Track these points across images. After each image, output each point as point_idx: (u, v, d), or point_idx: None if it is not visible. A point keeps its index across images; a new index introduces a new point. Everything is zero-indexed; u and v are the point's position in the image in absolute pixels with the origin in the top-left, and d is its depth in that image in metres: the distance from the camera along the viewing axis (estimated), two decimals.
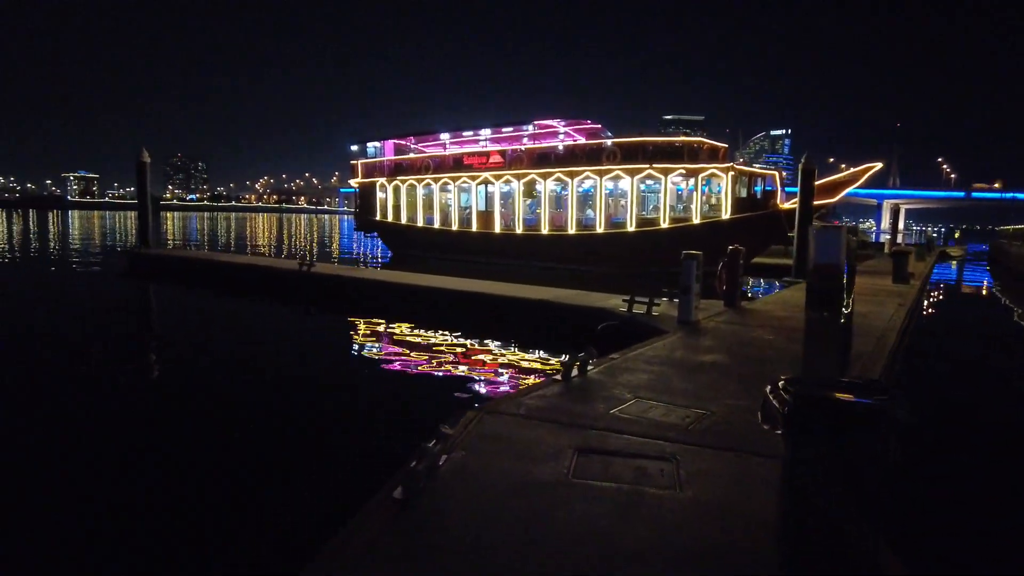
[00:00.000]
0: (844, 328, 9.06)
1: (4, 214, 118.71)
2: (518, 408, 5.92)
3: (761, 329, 10.65)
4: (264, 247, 45.17)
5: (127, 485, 6.17)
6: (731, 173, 24.95)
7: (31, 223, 78.14)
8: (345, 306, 16.89)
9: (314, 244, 51.92)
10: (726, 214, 24.98)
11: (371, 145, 36.11)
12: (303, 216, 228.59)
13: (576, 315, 12.94)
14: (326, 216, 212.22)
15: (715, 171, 25.27)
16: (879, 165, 23.63)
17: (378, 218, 34.86)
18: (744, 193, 25.99)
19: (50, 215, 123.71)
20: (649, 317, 11.69)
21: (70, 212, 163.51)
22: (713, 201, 27.76)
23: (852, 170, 23.81)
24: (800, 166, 20.47)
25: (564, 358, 7.62)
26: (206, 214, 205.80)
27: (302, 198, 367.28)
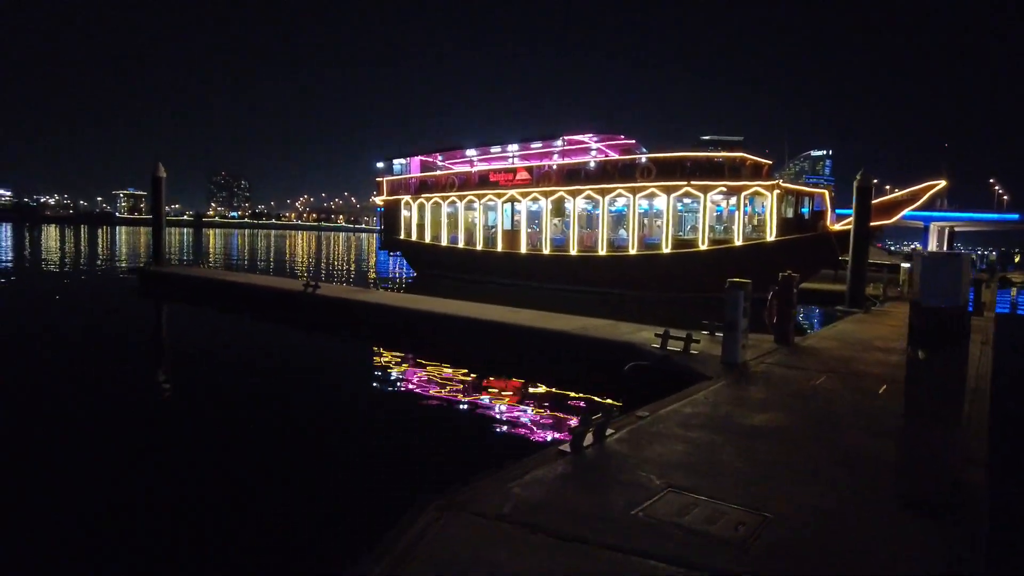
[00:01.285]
0: (946, 378, 7.13)
1: (58, 230, 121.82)
2: (502, 501, 4.21)
3: (825, 375, 8.74)
4: (293, 263, 44.47)
5: (121, 502, 6.16)
6: (776, 191, 22.97)
7: (81, 238, 79.66)
8: (349, 331, 15.52)
9: (341, 262, 51.09)
10: (771, 236, 22.95)
11: (397, 162, 35.02)
12: (341, 234, 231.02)
13: (600, 350, 11.20)
14: (363, 234, 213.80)
15: (759, 189, 23.31)
16: (943, 183, 21.38)
17: (402, 237, 33.62)
18: (790, 213, 23.95)
19: (99, 231, 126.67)
20: (687, 357, 9.87)
21: (118, 228, 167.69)
22: (756, 222, 25.77)
23: (912, 189, 21.59)
24: (855, 183, 18.44)
25: (574, 422, 5.90)
26: (247, 231, 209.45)
27: (340, 216, 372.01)
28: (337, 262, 51.70)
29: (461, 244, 30.77)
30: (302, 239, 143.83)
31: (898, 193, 21.94)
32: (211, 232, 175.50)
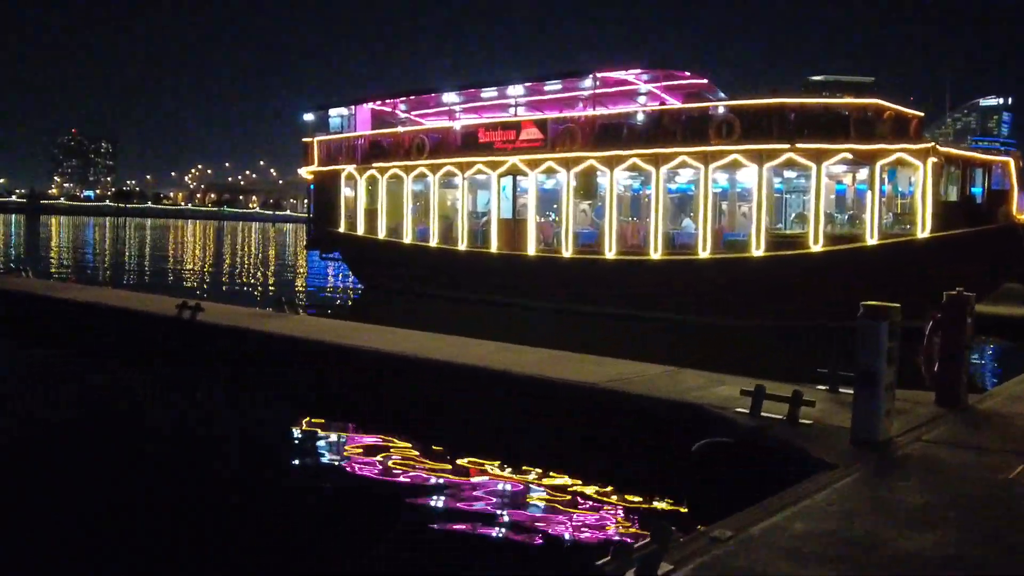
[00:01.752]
0: None
1: None
2: None
3: None
4: (180, 271, 43.94)
5: None
6: (932, 159, 22.35)
7: None
8: (252, 380, 14.94)
9: (250, 270, 50.69)
10: (924, 230, 22.32)
11: (336, 113, 34.65)
12: (253, 224, 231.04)
13: (648, 416, 10.59)
14: (289, 224, 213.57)
15: (904, 156, 22.69)
16: None
17: (342, 229, 33.08)
18: (955, 195, 23.33)
19: None
20: (794, 429, 9.26)
21: None
22: (900, 209, 25.12)
23: None
24: None
25: (601, 553, 5.25)
26: (108, 219, 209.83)
27: (253, 198, 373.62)
28: (245, 270, 51.28)
29: (434, 242, 30.19)
30: (194, 231, 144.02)
31: None
32: (54, 220, 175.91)
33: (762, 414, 9.72)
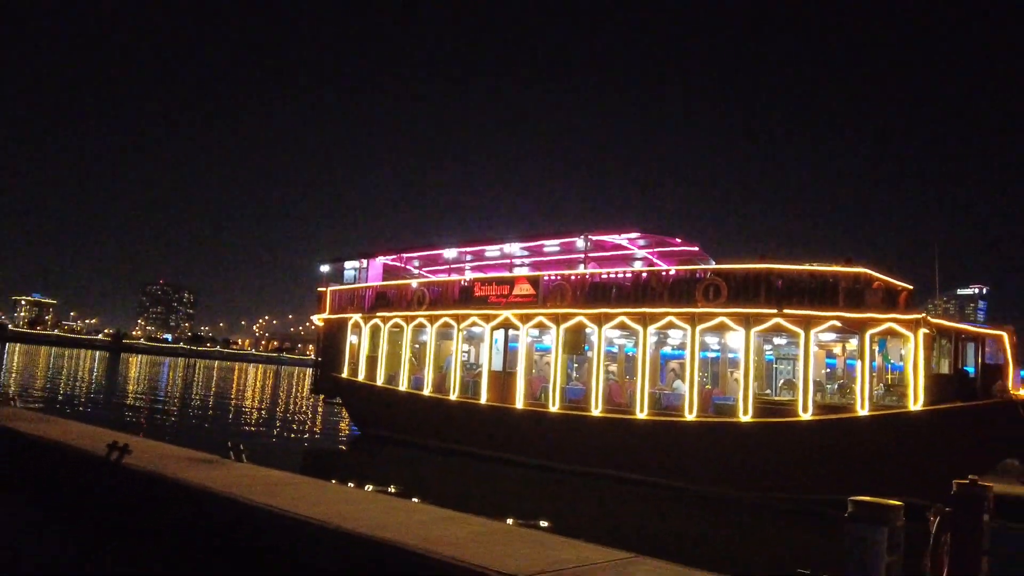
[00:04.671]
0: None
1: None
2: None
3: None
4: (207, 408, 41.22)
5: None
6: (923, 330, 19.34)
7: None
8: (175, 551, 11.73)
9: (265, 409, 47.83)
10: (916, 402, 19.07)
11: (350, 266, 32.52)
12: (308, 370, 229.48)
13: None
14: None
15: (894, 326, 19.71)
16: None
17: (344, 374, 30.31)
18: (946, 367, 20.19)
19: None
20: None
21: (5, 345, 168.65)
22: (891, 381, 21.98)
23: None
24: None
25: None
26: (181, 359, 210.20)
27: (311, 346, 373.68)
28: (259, 407, 48.40)
29: (427, 390, 27.29)
30: (254, 373, 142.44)
31: None
32: (132, 358, 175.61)
33: None
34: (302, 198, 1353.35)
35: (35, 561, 11.03)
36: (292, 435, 33.31)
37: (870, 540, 5.45)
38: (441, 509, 11.85)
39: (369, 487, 15.09)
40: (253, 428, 33.77)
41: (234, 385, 77.06)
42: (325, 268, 33.22)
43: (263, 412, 44.95)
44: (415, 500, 13.53)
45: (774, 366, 27.86)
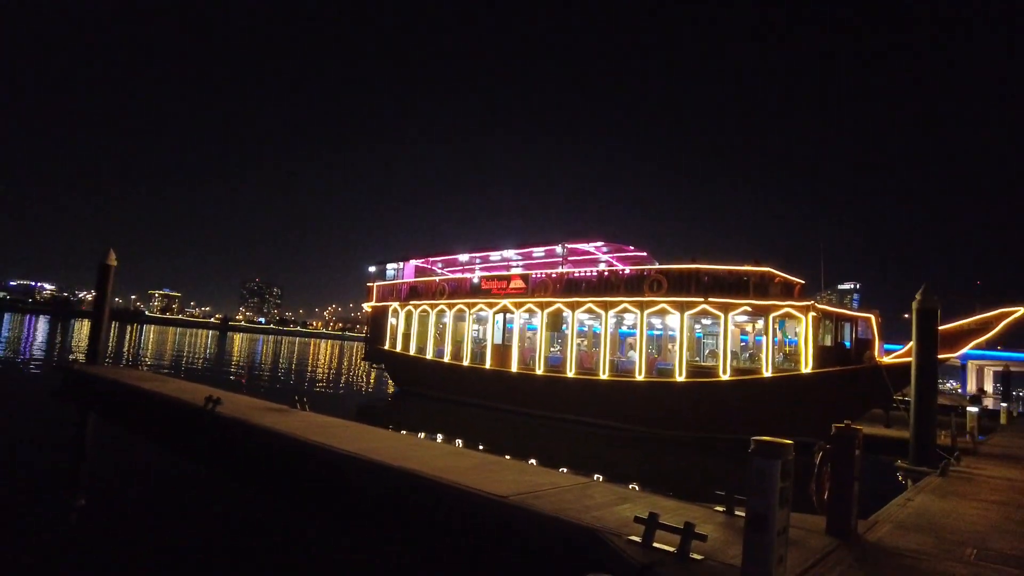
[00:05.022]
0: None
1: (90, 325, 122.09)
2: None
3: None
4: (277, 369, 40.85)
5: None
6: (812, 314, 19.02)
7: (111, 335, 78.18)
8: (253, 475, 11.48)
9: (327, 371, 47.40)
10: (807, 367, 18.75)
11: (391, 267, 32.08)
12: (362, 344, 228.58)
13: (546, 538, 6.98)
14: None
15: (791, 311, 19.40)
16: (1022, 311, 17.26)
17: (386, 347, 29.98)
18: (829, 341, 19.85)
19: (128, 328, 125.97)
20: (681, 569, 5.69)
21: (144, 327, 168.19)
22: (788, 351, 21.66)
23: (983, 316, 17.46)
24: (915, 305, 14.49)
25: None
26: (271, 337, 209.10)
27: (365, 327, 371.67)
28: (327, 371, 48.00)
29: (447, 358, 26.95)
30: (324, 347, 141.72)
31: (964, 321, 17.78)
32: (236, 336, 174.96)
33: (654, 545, 6.19)
34: (360, 212, 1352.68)
35: (155, 479, 10.78)
36: (350, 392, 32.95)
37: (767, 471, 5.15)
38: (450, 446, 11.59)
39: (403, 431, 14.76)
40: (320, 386, 33.38)
41: (310, 356, 76.66)
42: (372, 268, 32.80)
43: (330, 375, 44.58)
44: (431, 439, 13.19)
45: (703, 341, 27.52)
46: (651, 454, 17.77)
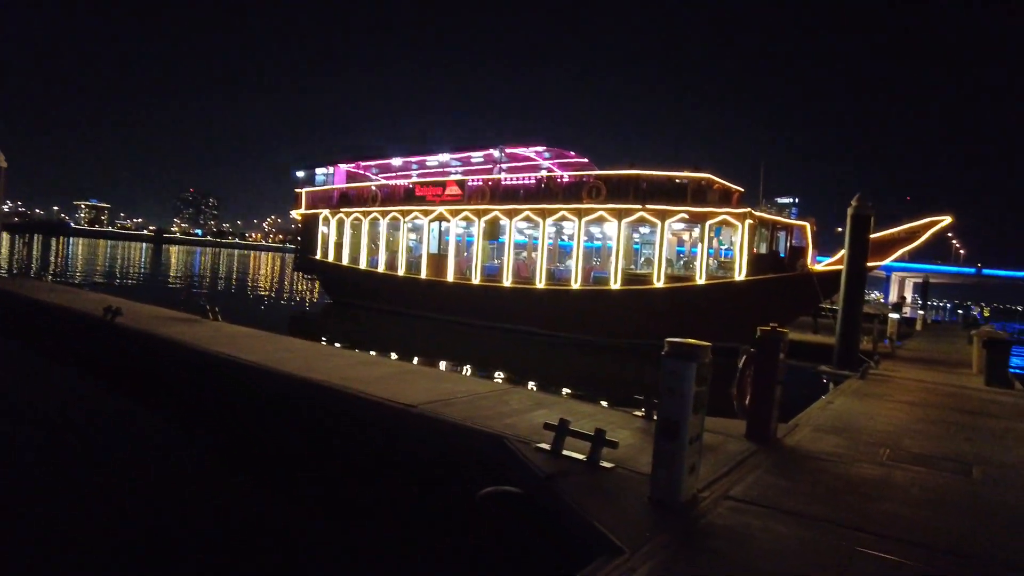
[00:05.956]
0: None
1: (9, 239, 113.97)
2: None
3: (844, 533, 4.18)
4: (203, 281, 39.16)
5: None
6: (748, 221, 18.83)
7: (34, 248, 73.30)
8: (153, 390, 10.65)
9: (256, 282, 45.94)
10: (741, 274, 18.74)
11: (320, 172, 30.37)
12: None
13: (454, 447, 6.54)
14: None
15: (728, 218, 19.16)
16: (947, 219, 17.49)
17: (318, 257, 28.81)
18: (764, 248, 19.84)
19: (53, 241, 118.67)
20: (591, 477, 5.31)
21: (71, 240, 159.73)
22: (723, 259, 21.65)
23: (911, 224, 17.59)
24: (850, 211, 14.34)
25: None
26: (209, 250, 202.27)
27: (297, 236, 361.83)
28: (258, 282, 46.49)
29: (381, 268, 26.08)
30: (265, 259, 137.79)
31: (892, 230, 17.92)
32: (172, 249, 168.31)
33: (564, 453, 5.79)
34: (301, 119, 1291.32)
35: (43, 391, 9.88)
36: (285, 303, 31.91)
37: (680, 374, 4.70)
38: (365, 354, 11.01)
39: (330, 343, 14.11)
40: (264, 298, 32.23)
41: (250, 268, 74.32)
42: (300, 173, 30.99)
43: (264, 285, 43.18)
44: (346, 348, 12.57)
45: (641, 251, 27.37)
46: (583, 360, 17.70)
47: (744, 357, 7.36)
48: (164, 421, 9.23)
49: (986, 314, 61.05)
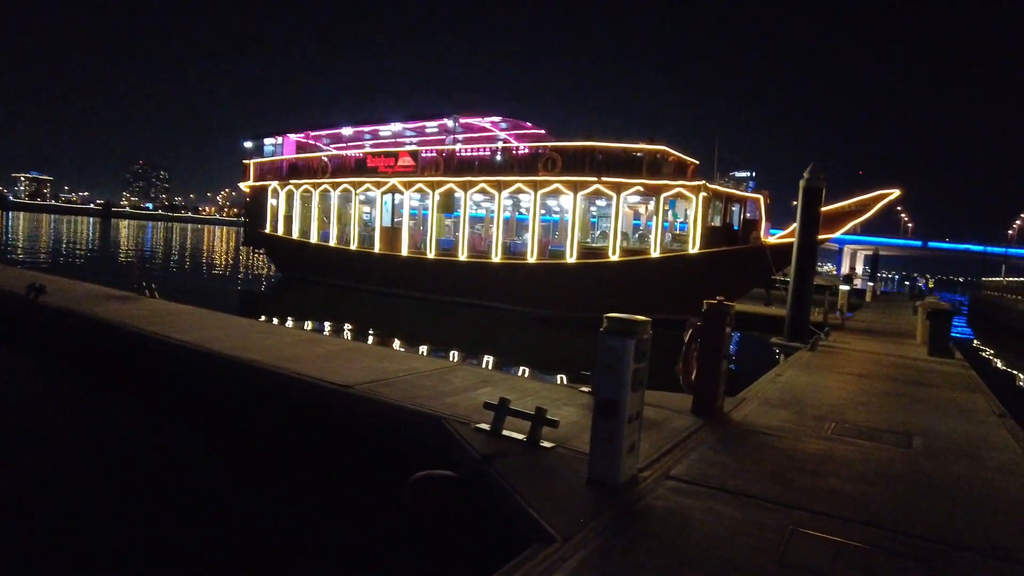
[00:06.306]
0: None
1: None
2: None
3: (788, 513, 4.05)
4: (154, 257, 37.73)
5: None
6: (703, 194, 18.79)
7: None
8: (84, 370, 10.05)
9: (206, 257, 44.62)
10: (695, 247, 18.74)
11: (268, 142, 29.34)
12: None
13: (388, 430, 6.25)
14: None
15: (682, 191, 19.08)
16: (897, 192, 17.73)
17: (267, 230, 27.92)
18: (718, 221, 19.86)
19: None
20: (530, 459, 5.08)
21: (10, 213, 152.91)
22: (677, 231, 21.66)
23: (862, 198, 17.79)
24: (802, 183, 14.33)
25: None
26: (161, 224, 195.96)
27: (245, 209, 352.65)
28: (213, 258, 45.12)
29: (333, 242, 25.40)
30: (220, 233, 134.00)
31: (844, 203, 18.09)
32: (122, 223, 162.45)
33: (504, 433, 5.56)
34: (253, 92, 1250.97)
35: None
36: (237, 278, 30.96)
37: (619, 351, 4.47)
38: (306, 332, 10.61)
39: (270, 318, 13.58)
40: (207, 273, 31.17)
41: (204, 242, 72.22)
42: (248, 144, 29.90)
43: (219, 261, 41.89)
44: (291, 327, 12.11)
45: (598, 225, 27.21)
46: (537, 335, 17.55)
47: (690, 331, 7.21)
48: (94, 404, 8.70)
49: (931, 285, 63.13)
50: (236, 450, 7.23)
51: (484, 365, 9.66)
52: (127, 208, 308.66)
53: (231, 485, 6.32)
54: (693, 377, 7.04)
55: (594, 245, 20.94)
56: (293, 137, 28.46)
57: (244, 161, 29.39)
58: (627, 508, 4.26)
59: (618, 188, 19.31)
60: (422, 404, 6.29)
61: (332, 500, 6.01)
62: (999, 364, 20.09)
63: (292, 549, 5.15)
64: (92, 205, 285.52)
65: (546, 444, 5.38)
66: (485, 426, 5.66)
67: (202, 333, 9.14)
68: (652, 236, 19.45)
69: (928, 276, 70.40)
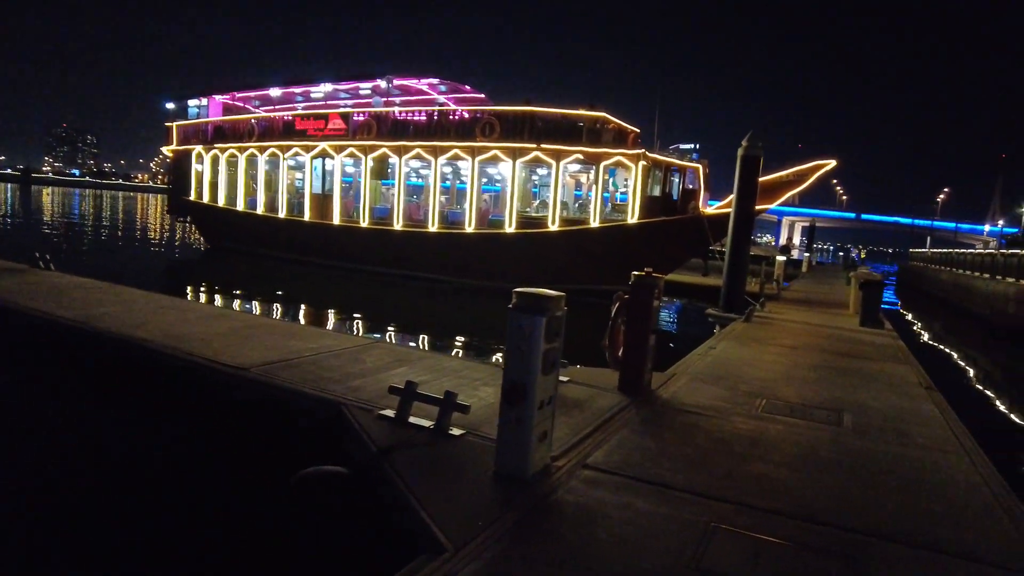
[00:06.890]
0: None
1: None
2: None
3: (716, 506, 3.67)
4: (75, 227, 35.36)
5: None
6: (642, 163, 18.46)
7: None
8: None
9: (135, 227, 42.35)
10: (633, 217, 18.45)
11: (193, 104, 27.56)
12: None
13: (284, 416, 5.64)
14: None
15: (622, 159, 18.70)
16: (833, 163, 17.78)
17: (192, 197, 26.37)
18: (657, 191, 19.60)
19: None
20: (434, 450, 4.57)
21: None
22: (618, 201, 21.34)
23: (799, 168, 17.78)
24: (740, 151, 14.09)
25: None
26: (89, 191, 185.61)
27: (168, 174, 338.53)
28: (148, 227, 42.77)
29: (260, 210, 24.16)
30: (154, 201, 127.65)
31: (782, 173, 18.07)
32: (45, 190, 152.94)
33: (411, 420, 5.03)
34: (185, 53, 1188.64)
35: None
36: (156, 250, 29.25)
37: (528, 329, 3.96)
38: (209, 307, 9.82)
39: (189, 290, 12.60)
40: (137, 243, 29.32)
41: (137, 211, 68.57)
42: (171, 105, 28.06)
43: (153, 231, 39.67)
44: (202, 301, 11.23)
45: (539, 194, 26.72)
46: (470, 308, 17.03)
47: (617, 304, 6.80)
48: None
49: (863, 256, 65.42)
50: (127, 446, 6.49)
51: (404, 343, 9.08)
52: (50, 174, 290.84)
53: (101, 480, 5.61)
54: (620, 353, 6.65)
55: (534, 215, 20.46)
56: (219, 99, 26.78)
57: (167, 124, 27.57)
58: (535, 505, 3.81)
59: (557, 156, 18.80)
60: (323, 388, 5.68)
61: (218, 502, 5.38)
62: (925, 336, 20.67)
63: (155, 561, 4.53)
64: (9, 171, 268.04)
65: (455, 431, 4.87)
66: (390, 412, 5.11)
67: (93, 310, 8.24)
68: (592, 206, 19.07)
69: (861, 247, 73.02)
